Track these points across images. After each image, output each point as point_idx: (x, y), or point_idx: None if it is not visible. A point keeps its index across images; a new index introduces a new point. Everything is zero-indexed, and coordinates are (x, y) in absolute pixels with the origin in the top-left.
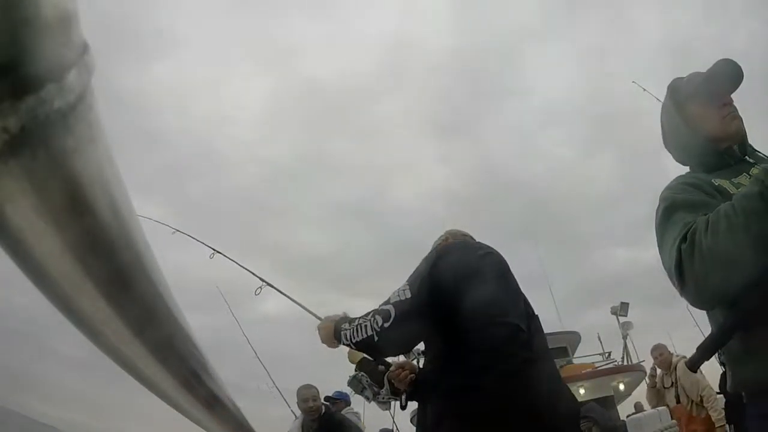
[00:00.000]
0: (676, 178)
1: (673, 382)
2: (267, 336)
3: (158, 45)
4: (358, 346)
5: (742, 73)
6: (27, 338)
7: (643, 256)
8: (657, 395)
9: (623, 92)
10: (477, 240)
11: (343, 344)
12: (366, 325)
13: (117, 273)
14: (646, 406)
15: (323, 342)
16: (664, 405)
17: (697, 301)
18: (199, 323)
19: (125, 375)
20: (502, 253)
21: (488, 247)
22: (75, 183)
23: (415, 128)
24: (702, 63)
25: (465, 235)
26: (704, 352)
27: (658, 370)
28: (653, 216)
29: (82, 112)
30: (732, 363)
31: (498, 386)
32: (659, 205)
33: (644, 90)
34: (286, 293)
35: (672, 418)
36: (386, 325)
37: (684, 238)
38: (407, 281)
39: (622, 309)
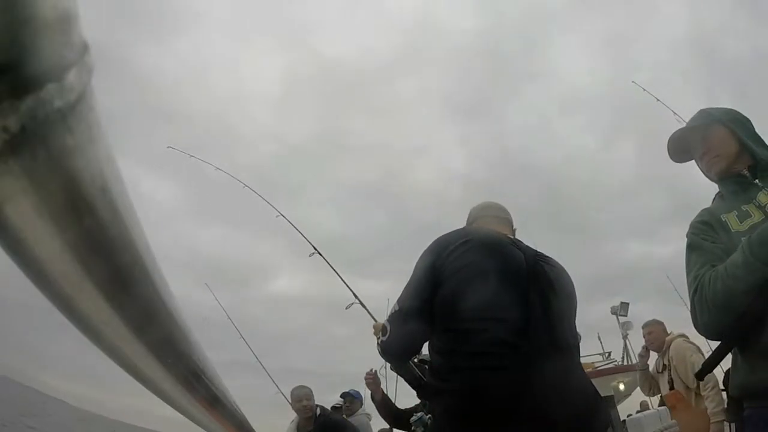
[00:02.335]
0: (698, 213)
1: (665, 365)
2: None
3: (176, 22)
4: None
5: (674, 145)
6: (35, 315)
7: (656, 250)
8: (650, 381)
9: (646, 82)
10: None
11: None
12: (378, 340)
13: (117, 273)
14: (652, 403)
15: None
16: (658, 392)
17: (705, 335)
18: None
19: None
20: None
21: (473, 233)
22: (75, 183)
23: (434, 109)
24: (729, 57)
25: (488, 208)
26: (705, 365)
27: (652, 352)
28: (668, 210)
29: (82, 112)
30: (733, 370)
31: (462, 386)
32: (686, 242)
33: (644, 90)
34: (369, 311)
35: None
36: (384, 338)
37: (696, 290)
38: (399, 297)
39: (622, 309)
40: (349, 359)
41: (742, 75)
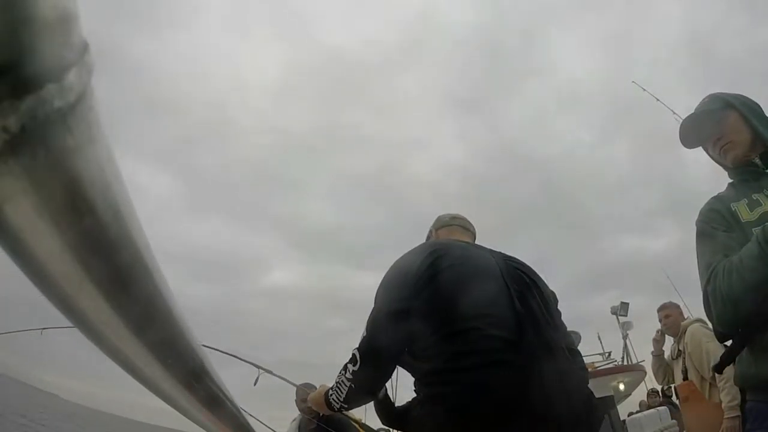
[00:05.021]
0: (708, 201)
1: (680, 351)
2: None
3: (173, 11)
4: (348, 402)
5: (686, 130)
6: (27, 306)
7: (650, 245)
8: (665, 368)
9: (643, 80)
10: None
11: (338, 410)
12: (342, 381)
13: (117, 273)
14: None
15: (318, 410)
16: (672, 381)
17: (719, 327)
18: None
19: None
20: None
21: (441, 242)
22: (75, 183)
23: (433, 103)
24: (724, 54)
25: (455, 218)
26: (723, 359)
27: (667, 337)
28: (663, 205)
29: (82, 112)
30: (738, 363)
31: (463, 387)
32: (696, 230)
33: (644, 90)
34: (279, 375)
35: (677, 398)
36: (355, 368)
37: (708, 281)
38: (367, 321)
39: (622, 309)
40: (342, 350)
41: (738, 73)
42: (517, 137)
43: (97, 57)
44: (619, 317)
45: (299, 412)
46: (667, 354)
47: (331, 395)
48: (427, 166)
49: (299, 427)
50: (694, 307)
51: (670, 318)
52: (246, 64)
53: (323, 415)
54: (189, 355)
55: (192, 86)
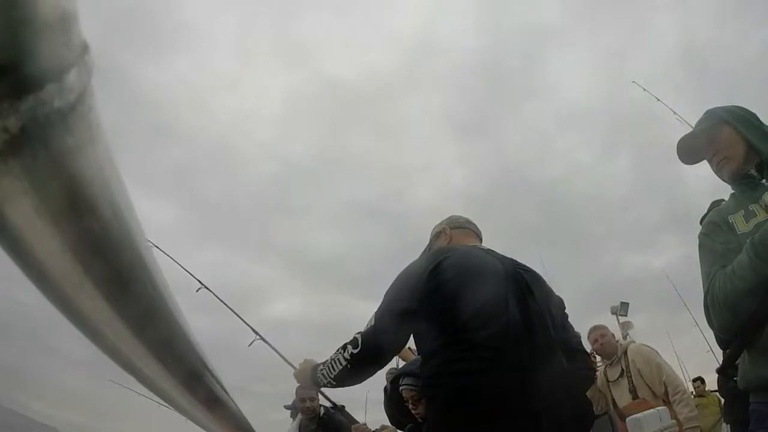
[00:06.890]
0: (709, 214)
1: (623, 370)
2: None
3: (177, 40)
4: (338, 380)
5: (683, 149)
6: (27, 336)
7: (653, 261)
8: (598, 394)
9: (640, 96)
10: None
11: (323, 386)
12: (338, 359)
13: (117, 273)
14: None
15: (303, 386)
16: (606, 408)
17: (720, 333)
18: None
19: (125, 375)
20: (508, 255)
21: (453, 248)
22: (75, 183)
23: (434, 128)
24: (717, 68)
25: (469, 222)
26: (726, 362)
27: (598, 359)
28: (665, 222)
29: (82, 112)
30: (739, 366)
31: (450, 390)
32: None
33: (644, 90)
34: (272, 345)
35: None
36: (355, 351)
37: (708, 291)
38: (375, 312)
39: (622, 309)
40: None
41: (733, 85)
42: (519, 158)
43: (97, 79)
44: (619, 317)
45: (299, 412)
46: (599, 379)
47: (321, 370)
48: (431, 190)
49: (299, 428)
50: (700, 317)
51: (607, 337)
52: (248, 92)
53: (323, 415)
54: (189, 355)
55: (194, 112)
